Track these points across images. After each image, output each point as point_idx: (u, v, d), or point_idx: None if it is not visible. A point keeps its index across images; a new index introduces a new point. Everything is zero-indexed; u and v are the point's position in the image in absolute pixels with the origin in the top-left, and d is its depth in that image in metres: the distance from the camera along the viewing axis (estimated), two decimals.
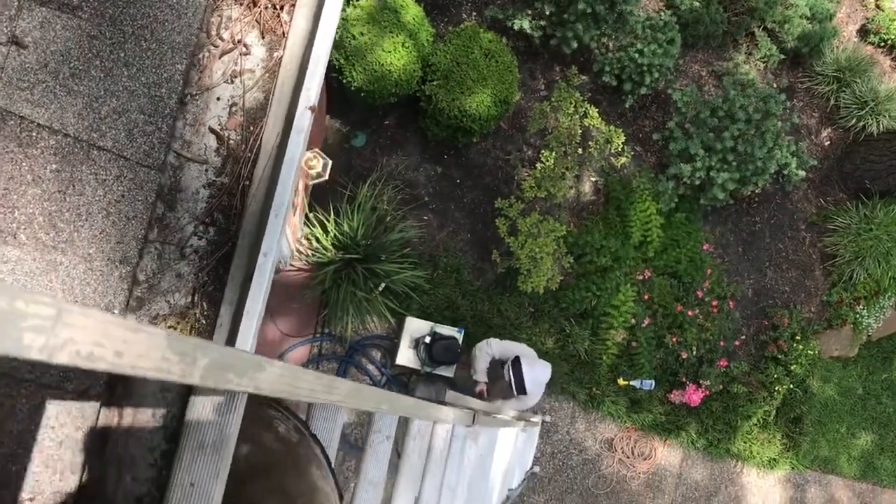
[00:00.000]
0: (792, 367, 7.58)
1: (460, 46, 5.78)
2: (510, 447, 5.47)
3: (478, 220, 6.63)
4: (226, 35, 1.62)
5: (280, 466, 1.60)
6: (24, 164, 1.34)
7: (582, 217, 7.00)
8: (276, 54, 1.72)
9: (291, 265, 5.66)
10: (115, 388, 1.54)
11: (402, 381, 6.34)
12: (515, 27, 6.35)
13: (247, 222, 1.68)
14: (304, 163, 4.31)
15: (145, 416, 1.59)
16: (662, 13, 6.91)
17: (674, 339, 7.12)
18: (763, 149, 6.69)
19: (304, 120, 1.68)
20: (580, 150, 6.25)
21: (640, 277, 7.01)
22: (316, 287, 5.66)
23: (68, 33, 1.31)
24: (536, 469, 6.86)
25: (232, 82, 1.69)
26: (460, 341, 6.01)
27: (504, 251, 6.20)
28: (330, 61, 1.74)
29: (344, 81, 5.45)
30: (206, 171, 1.64)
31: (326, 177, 4.73)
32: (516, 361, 4.81)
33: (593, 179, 7.08)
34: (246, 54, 1.68)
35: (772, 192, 7.84)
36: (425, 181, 6.51)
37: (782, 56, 7.80)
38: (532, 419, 6.18)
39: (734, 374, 7.39)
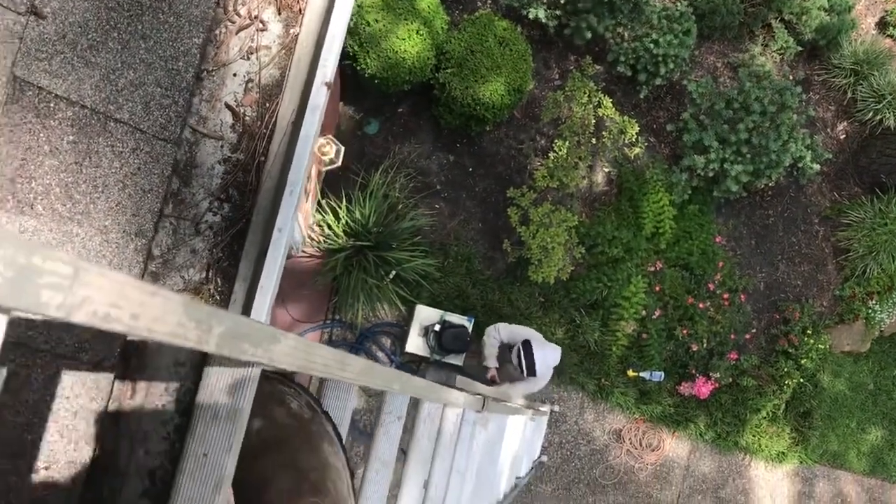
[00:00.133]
0: (802, 362, 7.55)
1: (475, 34, 5.76)
2: (519, 435, 5.48)
3: (489, 209, 6.62)
4: (242, 11, 1.62)
5: (292, 442, 1.61)
6: (41, 134, 1.34)
7: (594, 207, 6.98)
8: (292, 31, 1.72)
9: (303, 251, 5.67)
10: (129, 361, 1.55)
11: (411, 368, 6.35)
12: (530, 16, 6.32)
13: (262, 199, 1.68)
14: (318, 149, 4.32)
15: (158, 390, 1.60)
16: (679, 3, 6.86)
17: (684, 332, 7.10)
18: (778, 141, 6.64)
19: (319, 97, 1.67)
20: (593, 140, 6.23)
21: (652, 269, 6.99)
22: (327, 274, 5.67)
23: (87, 4, 1.31)
24: (544, 458, 6.87)
25: (248, 58, 1.69)
26: (470, 330, 6.02)
27: (515, 241, 6.19)
28: (343, 48, 1.74)
29: (358, 68, 5.44)
30: (222, 146, 1.64)
31: (339, 163, 4.73)
32: (527, 344, 4.81)
33: (606, 170, 7.05)
34: (262, 30, 1.68)
35: (786, 185, 7.78)
36: (437, 169, 6.50)
37: (799, 48, 7.73)
38: (541, 408, 6.18)
39: (744, 368, 7.37)
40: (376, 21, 5.31)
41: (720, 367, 7.16)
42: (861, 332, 8.01)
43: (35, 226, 1.31)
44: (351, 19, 1.66)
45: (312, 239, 5.69)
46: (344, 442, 1.73)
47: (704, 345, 7.18)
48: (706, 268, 7.25)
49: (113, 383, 1.49)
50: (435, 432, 2.74)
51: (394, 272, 5.67)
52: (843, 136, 8.17)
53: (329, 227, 5.68)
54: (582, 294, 6.73)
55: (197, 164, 1.59)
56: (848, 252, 7.94)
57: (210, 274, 1.61)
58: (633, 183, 6.92)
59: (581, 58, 6.81)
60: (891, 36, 8.47)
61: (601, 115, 6.26)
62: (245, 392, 1.26)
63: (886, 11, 8.51)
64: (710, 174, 6.70)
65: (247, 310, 1.60)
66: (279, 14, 1.64)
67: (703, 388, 7.06)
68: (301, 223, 4.84)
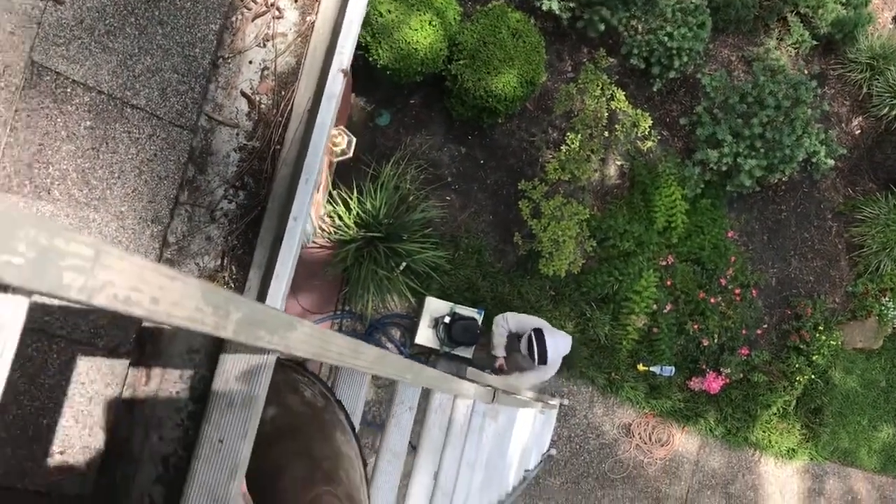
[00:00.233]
0: (814, 358, 7.51)
1: (488, 26, 5.74)
2: (528, 428, 5.48)
3: (500, 201, 6.60)
4: None
5: (305, 430, 1.60)
6: (58, 120, 1.34)
7: (606, 201, 6.95)
8: (308, 18, 1.72)
9: (314, 242, 5.68)
10: (144, 348, 1.55)
11: (420, 360, 6.36)
12: (544, 7, 6.29)
13: (277, 186, 1.68)
14: (329, 139, 4.31)
15: (173, 377, 1.60)
16: None
17: (695, 326, 7.08)
18: (792, 136, 6.60)
19: (335, 85, 1.67)
20: (606, 133, 6.20)
21: (663, 263, 6.96)
22: (338, 264, 5.68)
23: None
24: (553, 452, 6.87)
25: (264, 46, 1.68)
26: (480, 322, 6.01)
27: (526, 233, 6.18)
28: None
29: (370, 59, 5.43)
30: (237, 134, 1.64)
31: (351, 154, 4.73)
32: (538, 332, 4.79)
33: (619, 163, 7.03)
34: (279, 18, 1.68)
35: (799, 180, 7.73)
36: (449, 161, 6.49)
37: (815, 42, 7.67)
38: (550, 402, 6.18)
39: (755, 363, 7.33)
40: (389, 12, 5.29)
41: (731, 362, 7.14)
42: (873, 329, 7.96)
43: (52, 211, 1.31)
44: None
45: (323, 230, 5.70)
46: (357, 431, 1.73)
47: (715, 340, 7.15)
48: (718, 262, 7.22)
49: (128, 370, 1.50)
50: (446, 423, 2.74)
51: (404, 264, 5.67)
52: (858, 131, 8.11)
53: (340, 218, 5.68)
54: (593, 288, 6.71)
55: (212, 151, 1.59)
56: (861, 248, 7.89)
57: (225, 261, 1.61)
58: (646, 176, 6.89)
59: (594, 50, 6.78)
60: None
61: (614, 107, 6.23)
62: (260, 379, 1.26)
63: None
64: (724, 168, 6.66)
65: (261, 297, 1.60)
66: (295, 1, 1.63)
67: (714, 383, 7.04)
68: (312, 214, 4.84)
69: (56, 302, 1.40)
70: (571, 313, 6.72)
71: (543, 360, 4.76)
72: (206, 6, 1.49)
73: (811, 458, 8.17)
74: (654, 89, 6.91)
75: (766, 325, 7.60)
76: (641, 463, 7.38)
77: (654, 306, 6.86)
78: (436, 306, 6.07)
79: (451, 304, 6.08)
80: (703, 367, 7.18)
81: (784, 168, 6.71)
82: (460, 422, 2.92)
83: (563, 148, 6.19)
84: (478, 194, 6.57)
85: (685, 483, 7.60)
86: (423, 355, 6.34)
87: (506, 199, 6.59)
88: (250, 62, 1.65)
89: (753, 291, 7.46)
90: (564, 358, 5.37)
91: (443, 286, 6.25)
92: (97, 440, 1.46)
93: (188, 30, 1.51)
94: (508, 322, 5.19)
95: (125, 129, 1.41)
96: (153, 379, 1.58)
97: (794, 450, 7.98)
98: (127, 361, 1.48)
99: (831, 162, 6.99)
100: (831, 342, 7.58)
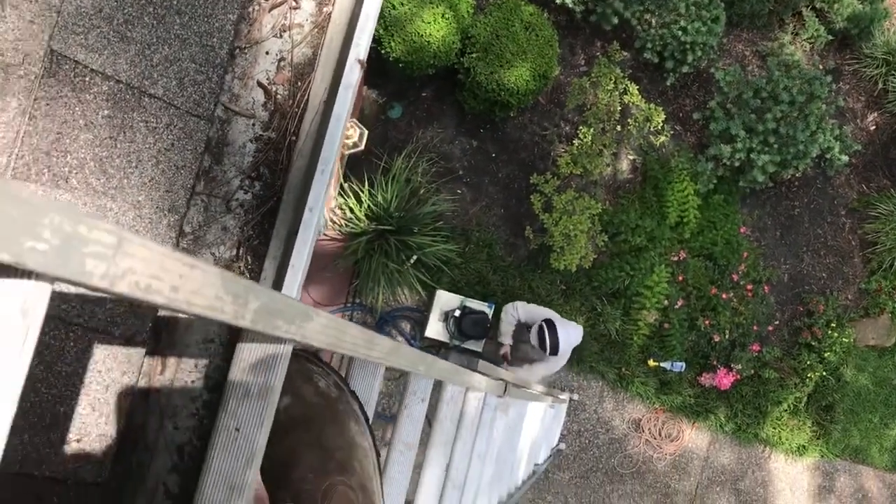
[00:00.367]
0: (826, 355, 7.48)
1: (500, 19, 5.72)
2: (538, 422, 5.48)
3: (512, 195, 6.59)
4: None
5: (319, 420, 1.61)
6: (77, 108, 1.35)
7: (618, 195, 6.93)
8: (325, 9, 1.72)
9: (325, 235, 5.69)
10: (159, 337, 1.56)
11: (431, 353, 6.36)
12: (557, 1, 6.27)
13: (292, 177, 1.68)
14: None
15: (188, 366, 1.61)
16: None
17: (706, 322, 7.05)
18: (806, 132, 6.55)
19: (352, 75, 1.67)
20: (619, 128, 6.17)
21: (675, 258, 6.94)
22: (349, 257, 5.69)
23: None
24: (563, 446, 6.87)
25: (281, 37, 1.68)
26: (490, 316, 6.01)
27: (537, 228, 6.16)
28: None
29: (382, 52, 5.43)
30: (253, 125, 1.64)
31: (362, 147, 4.72)
32: (550, 322, 4.76)
33: (631, 157, 7.00)
34: (295, 8, 1.68)
35: (813, 176, 7.68)
36: (460, 154, 6.48)
37: (830, 37, 7.60)
38: (560, 396, 6.18)
39: (766, 360, 7.31)
40: (402, 4, 5.28)
41: (742, 358, 7.11)
42: (886, 327, 7.91)
43: (69, 199, 1.32)
44: None
45: (334, 222, 5.71)
46: (371, 422, 1.74)
47: (727, 336, 7.13)
48: (730, 258, 7.19)
49: (143, 359, 1.50)
50: (457, 415, 2.74)
51: (415, 257, 5.67)
52: (873, 127, 8.05)
53: (351, 210, 5.68)
54: (604, 282, 6.70)
55: (228, 142, 1.60)
56: (875, 245, 7.83)
57: (240, 251, 1.61)
58: (658, 171, 6.86)
59: (607, 44, 6.75)
60: None
61: (627, 102, 6.20)
62: (277, 369, 1.26)
63: None
64: (737, 164, 6.63)
65: (277, 288, 1.60)
66: None
67: (725, 379, 7.02)
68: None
69: (73, 290, 1.41)
70: (582, 308, 6.72)
71: (555, 350, 4.73)
72: None
73: (822, 456, 8.14)
74: (668, 84, 6.88)
75: (777, 322, 7.57)
76: (651, 458, 7.37)
77: (666, 302, 6.84)
78: (446, 300, 6.07)
79: (462, 297, 6.08)
80: (714, 362, 7.16)
81: (798, 164, 6.67)
82: (472, 415, 2.92)
83: (576, 142, 6.17)
84: (489, 188, 6.56)
85: (694, 479, 7.59)
86: (434, 349, 6.35)
87: (517, 193, 6.58)
88: (267, 53, 1.65)
89: (765, 287, 7.43)
90: (575, 352, 5.35)
91: (453, 280, 6.25)
92: (113, 428, 1.47)
93: (206, 20, 1.51)
94: (518, 311, 5.15)
95: (143, 119, 1.42)
96: (168, 368, 1.59)
97: (804, 447, 7.95)
98: (143, 350, 1.49)
99: (845, 158, 6.94)
100: (843, 339, 7.54)
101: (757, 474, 7.89)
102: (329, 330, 1.26)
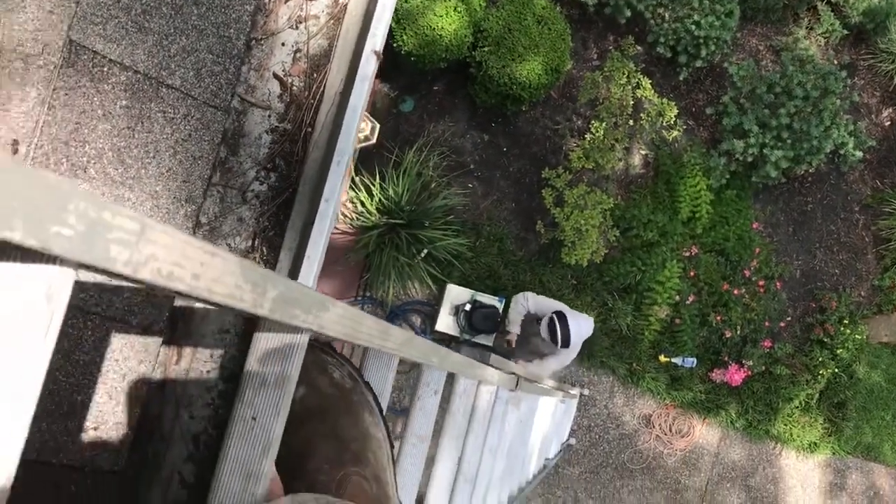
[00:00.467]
0: (838, 351, 7.44)
1: (513, 12, 5.70)
2: (549, 417, 5.48)
3: (523, 189, 6.58)
4: None
5: (334, 411, 1.62)
6: (95, 98, 1.35)
7: (630, 190, 6.91)
8: (341, 1, 1.72)
9: (336, 228, 5.69)
10: (175, 327, 1.56)
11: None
12: None
13: (308, 169, 1.68)
14: None
15: (204, 356, 1.62)
16: None
17: (718, 318, 7.03)
18: (820, 127, 6.51)
19: (368, 67, 1.67)
20: (631, 122, 6.15)
21: (687, 254, 6.92)
22: (359, 250, 5.69)
23: None
24: (573, 441, 6.87)
25: (297, 28, 1.68)
26: (500, 311, 6.01)
27: (549, 222, 6.15)
28: None
29: (394, 45, 5.42)
30: (269, 116, 1.65)
31: (374, 140, 4.71)
32: (561, 315, 4.74)
33: (643, 152, 6.97)
34: (311, 0, 1.68)
35: (826, 171, 7.64)
36: (472, 148, 6.48)
37: (845, 32, 7.54)
38: (570, 391, 6.17)
39: (778, 356, 7.28)
40: None
41: (753, 354, 7.09)
42: None
43: (88, 189, 1.33)
44: None
45: (345, 216, 5.72)
46: (384, 413, 1.74)
47: (738, 332, 7.10)
48: (742, 254, 7.16)
49: (160, 348, 1.51)
50: (469, 408, 2.75)
51: (425, 251, 5.68)
52: (888, 122, 7.98)
53: (362, 204, 5.69)
54: (615, 277, 6.68)
55: (244, 133, 1.60)
56: (889, 241, 7.78)
57: (256, 243, 1.62)
58: (671, 166, 6.84)
59: (620, 38, 6.72)
60: None
61: (640, 96, 6.18)
62: (293, 359, 1.27)
63: None
64: (749, 159, 6.59)
65: (293, 279, 1.60)
66: None
67: (736, 375, 6.99)
68: None
69: (91, 279, 1.42)
70: (593, 303, 6.71)
71: (566, 343, 4.70)
72: None
73: (833, 453, 8.10)
74: (681, 78, 6.84)
75: (789, 318, 7.54)
76: (661, 454, 7.36)
77: (677, 297, 6.82)
78: (456, 294, 6.07)
79: (472, 291, 6.09)
80: (726, 358, 7.14)
81: (811, 159, 6.63)
82: (483, 408, 2.93)
83: (588, 136, 6.15)
84: (500, 182, 6.55)
85: (705, 475, 7.57)
86: (444, 342, 6.36)
87: (528, 188, 6.56)
88: (283, 44, 1.65)
89: (778, 284, 7.39)
90: (585, 347, 5.33)
91: (464, 274, 6.26)
92: (130, 417, 1.48)
93: (223, 11, 1.51)
94: (528, 301, 5.13)
95: (160, 109, 1.42)
96: (184, 358, 1.60)
97: (816, 444, 7.92)
98: (160, 339, 1.50)
99: (860, 154, 6.90)
100: (856, 336, 7.50)
101: (768, 471, 7.87)
102: (345, 320, 1.26)
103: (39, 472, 1.31)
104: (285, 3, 1.60)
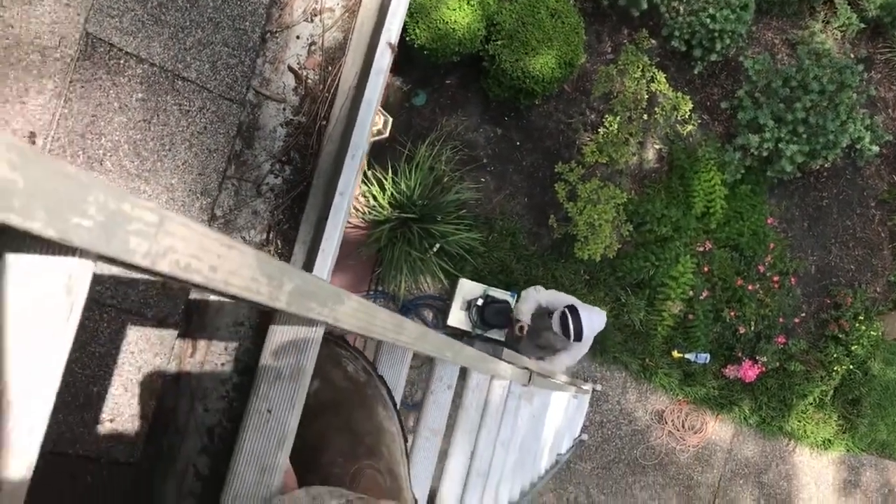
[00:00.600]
0: (853, 348, 7.39)
1: (526, 6, 5.68)
2: (561, 412, 5.47)
3: (536, 183, 6.56)
4: None
5: (348, 405, 1.62)
6: (111, 91, 1.35)
7: (644, 185, 6.88)
8: None
9: (348, 222, 5.70)
10: (190, 320, 1.57)
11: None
12: None
13: (322, 162, 1.68)
14: None
15: (218, 349, 1.62)
16: None
17: (732, 314, 6.99)
18: (836, 121, 6.45)
19: (383, 60, 1.66)
20: (645, 116, 6.12)
21: (701, 249, 6.88)
22: (372, 245, 5.70)
23: None
24: (585, 437, 6.86)
25: (311, 21, 1.68)
26: (513, 306, 5.99)
27: (562, 217, 6.13)
28: None
29: (407, 39, 5.41)
30: (284, 109, 1.64)
31: (386, 134, 4.71)
32: (573, 308, 4.71)
33: (657, 147, 6.94)
34: None
35: (842, 166, 7.57)
36: (484, 143, 6.46)
37: (862, 25, 7.47)
38: (583, 387, 6.16)
39: (792, 352, 7.24)
40: None
41: (767, 350, 7.05)
42: None
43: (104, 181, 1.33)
44: None
45: (358, 210, 5.72)
46: (398, 407, 1.74)
47: (752, 328, 7.07)
48: (756, 249, 7.12)
49: (175, 341, 1.52)
50: (482, 403, 2.74)
51: (438, 245, 5.67)
52: None
53: (374, 198, 5.69)
54: (628, 272, 6.66)
55: (259, 126, 1.60)
56: None
57: (270, 236, 1.62)
58: (685, 161, 6.80)
59: (635, 31, 6.68)
60: None
61: (654, 90, 6.14)
62: (308, 352, 1.27)
63: None
64: (765, 154, 6.55)
65: (307, 272, 1.60)
66: None
67: (750, 371, 6.96)
68: None
69: (107, 271, 1.42)
70: (606, 298, 6.69)
71: (579, 336, 4.68)
72: None
73: (847, 450, 8.06)
74: (695, 72, 6.80)
75: (804, 314, 7.49)
76: (673, 450, 7.34)
77: (691, 292, 6.79)
78: (469, 288, 6.06)
79: (485, 286, 6.08)
80: (739, 354, 7.11)
81: (827, 154, 6.57)
82: (496, 402, 2.92)
83: (601, 130, 6.12)
84: (513, 176, 6.53)
85: (717, 471, 7.54)
86: (456, 337, 6.35)
87: (541, 182, 6.54)
88: (298, 37, 1.65)
89: (792, 279, 7.35)
90: (598, 342, 5.31)
91: (476, 268, 6.25)
92: (145, 409, 1.48)
93: (238, 3, 1.51)
94: (540, 293, 5.10)
95: (176, 102, 1.42)
96: (199, 351, 1.60)
97: (830, 440, 7.88)
98: (175, 332, 1.50)
99: (876, 148, 6.83)
100: (871, 332, 7.45)
101: (781, 468, 7.83)
102: (360, 313, 1.26)
103: (56, 463, 1.32)
104: None
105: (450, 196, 5.81)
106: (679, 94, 6.19)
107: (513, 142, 6.53)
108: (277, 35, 1.58)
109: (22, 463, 0.59)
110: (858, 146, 6.78)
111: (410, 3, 5.24)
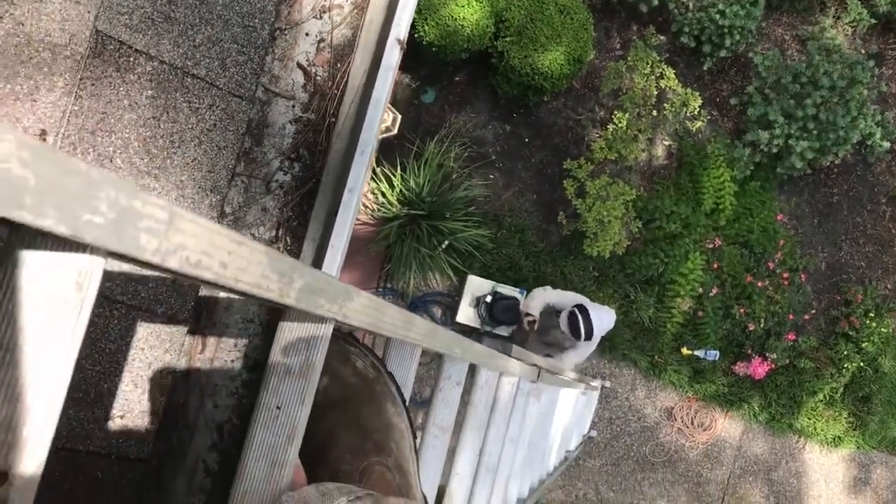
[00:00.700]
0: (863, 345, 7.35)
1: (535, 2, 5.66)
2: (570, 409, 5.47)
3: (545, 180, 6.55)
4: None
5: (357, 401, 1.62)
6: (121, 88, 1.36)
7: (653, 181, 6.85)
8: None
9: (357, 219, 5.70)
10: (200, 316, 1.57)
11: None
12: None
13: (332, 159, 1.68)
14: None
15: (228, 346, 1.63)
16: None
17: (741, 310, 6.97)
18: (846, 117, 6.41)
19: (392, 56, 1.66)
20: (654, 113, 6.10)
21: (710, 246, 6.85)
22: (381, 241, 5.70)
23: None
24: (594, 433, 6.85)
25: (321, 18, 1.68)
26: (521, 302, 5.99)
27: (570, 213, 6.12)
28: None
29: (416, 36, 5.41)
30: (293, 106, 1.65)
31: (395, 131, 4.71)
32: (583, 308, 4.70)
33: (666, 143, 6.91)
34: None
35: (852, 162, 7.52)
36: (493, 139, 6.45)
37: (873, 21, 7.41)
38: (592, 383, 6.15)
39: (802, 349, 7.20)
40: None
41: (777, 347, 7.02)
42: None
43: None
44: None
45: (367, 207, 5.73)
46: (407, 403, 1.75)
47: (762, 324, 7.04)
48: (766, 246, 7.08)
49: (184, 337, 1.52)
50: (491, 400, 2.74)
51: (446, 242, 5.68)
52: None
53: (383, 195, 5.70)
54: (637, 269, 6.64)
55: (268, 123, 1.60)
56: None
57: (280, 233, 1.62)
58: (694, 157, 6.77)
59: (644, 27, 6.65)
60: None
61: (663, 86, 6.12)
62: (318, 348, 1.27)
63: None
64: (774, 150, 6.51)
65: (316, 268, 1.60)
66: None
67: (759, 368, 6.93)
68: None
69: (116, 268, 1.43)
70: (615, 295, 6.67)
71: (589, 336, 4.67)
72: None
73: (858, 447, 8.02)
74: (705, 68, 6.77)
75: (814, 311, 7.45)
76: (683, 447, 7.32)
77: (700, 289, 6.77)
78: (477, 285, 6.06)
79: (493, 283, 6.07)
80: (749, 351, 7.08)
81: (837, 150, 6.53)
82: (505, 399, 2.92)
83: (610, 127, 6.11)
84: (522, 173, 6.52)
85: (727, 468, 7.52)
86: (464, 334, 6.34)
87: (550, 179, 6.53)
88: (307, 34, 1.65)
89: (802, 276, 7.31)
90: (606, 339, 5.31)
91: (485, 265, 6.24)
92: (154, 405, 1.49)
93: (247, 0, 1.51)
94: (548, 293, 5.10)
95: (185, 99, 1.43)
96: (208, 347, 1.61)
97: (840, 438, 7.84)
98: (185, 329, 1.51)
99: (887, 144, 6.79)
100: (882, 329, 7.40)
101: (791, 465, 7.80)
102: (369, 310, 1.26)
103: (68, 458, 1.33)
104: None
105: (458, 193, 5.81)
106: (688, 90, 6.16)
107: (521, 138, 6.52)
108: (286, 32, 1.58)
109: (33, 459, 0.59)
110: (869, 142, 6.74)
111: (419, 0, 5.24)
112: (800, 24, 7.42)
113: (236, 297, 1.61)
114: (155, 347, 1.46)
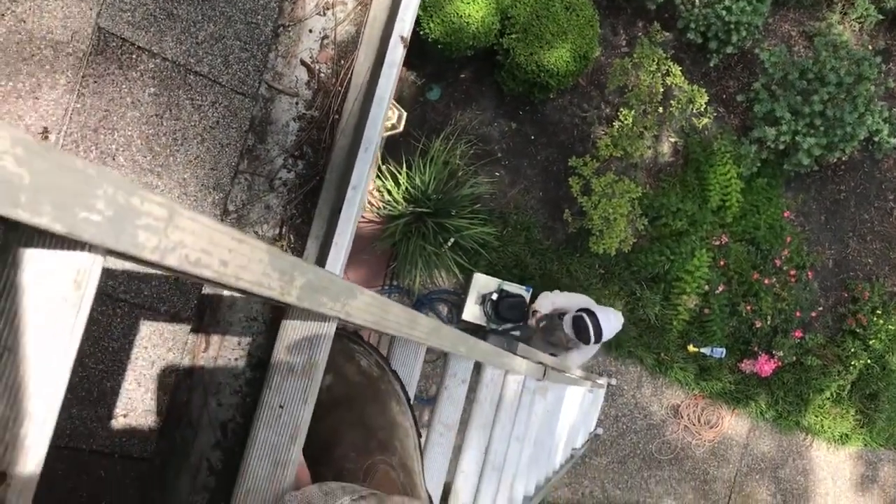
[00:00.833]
0: (871, 342, 7.32)
1: None
2: (576, 407, 5.45)
3: (550, 178, 6.54)
4: None
5: (361, 399, 1.61)
6: (123, 86, 1.35)
7: (659, 178, 6.83)
8: None
9: (362, 217, 5.70)
10: (203, 315, 1.57)
11: None
12: None
13: (335, 156, 1.68)
14: None
15: (231, 344, 1.62)
16: None
17: (748, 308, 6.94)
18: (853, 114, 6.38)
19: (396, 53, 1.65)
20: (660, 109, 6.07)
21: (717, 243, 6.83)
22: (386, 239, 5.70)
23: None
24: (600, 431, 6.84)
25: (324, 14, 1.67)
26: (527, 300, 5.98)
27: (576, 211, 6.11)
28: None
29: (421, 33, 5.40)
30: (297, 103, 1.64)
31: (401, 129, 4.71)
32: (591, 313, 4.71)
33: (672, 140, 6.89)
34: None
35: (860, 159, 7.49)
36: (499, 137, 6.44)
37: (880, 16, 7.37)
38: (598, 381, 6.14)
39: (809, 346, 7.18)
40: None
41: (784, 345, 6.99)
42: None
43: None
44: None
45: (372, 204, 5.72)
46: (412, 402, 1.74)
47: (768, 322, 7.01)
48: (773, 243, 7.05)
49: (188, 336, 1.52)
50: (497, 398, 2.73)
51: (452, 239, 5.67)
52: None
53: (389, 192, 5.69)
54: (644, 267, 6.62)
55: (272, 120, 1.59)
56: None
57: (283, 230, 1.62)
58: (700, 154, 6.74)
59: (650, 24, 6.63)
60: None
61: (669, 83, 6.09)
62: (321, 346, 1.26)
63: None
64: (781, 147, 6.48)
65: (320, 266, 1.60)
66: None
67: (766, 365, 6.91)
68: None
69: (119, 266, 1.42)
70: (621, 292, 6.65)
71: (598, 339, 4.68)
72: None
73: (865, 445, 7.99)
74: (711, 65, 6.74)
75: (821, 308, 7.42)
76: (689, 445, 7.30)
77: (707, 286, 6.74)
78: (483, 283, 6.05)
79: (499, 280, 6.06)
80: (755, 349, 7.06)
81: (844, 147, 6.50)
82: (510, 398, 2.91)
83: (616, 124, 6.08)
84: (527, 170, 6.51)
85: (733, 466, 7.50)
86: (470, 332, 6.34)
87: (556, 176, 6.52)
88: (310, 31, 1.65)
89: (809, 273, 7.28)
90: (613, 337, 5.30)
91: (491, 263, 6.23)
92: (158, 404, 1.49)
93: None
94: (556, 296, 5.11)
95: (188, 97, 1.42)
96: (212, 346, 1.60)
97: (847, 435, 7.81)
98: (188, 327, 1.50)
99: (894, 141, 6.75)
100: (889, 326, 7.37)
101: (798, 462, 7.78)
102: (373, 308, 1.26)
103: (71, 457, 1.33)
104: None
105: (464, 190, 5.80)
106: (694, 86, 6.14)
107: (527, 136, 6.51)
108: (290, 29, 1.57)
109: (32, 458, 0.58)
110: (876, 139, 6.71)
111: None
112: (807, 20, 7.39)
113: (239, 295, 1.61)
114: (158, 346, 1.45)
